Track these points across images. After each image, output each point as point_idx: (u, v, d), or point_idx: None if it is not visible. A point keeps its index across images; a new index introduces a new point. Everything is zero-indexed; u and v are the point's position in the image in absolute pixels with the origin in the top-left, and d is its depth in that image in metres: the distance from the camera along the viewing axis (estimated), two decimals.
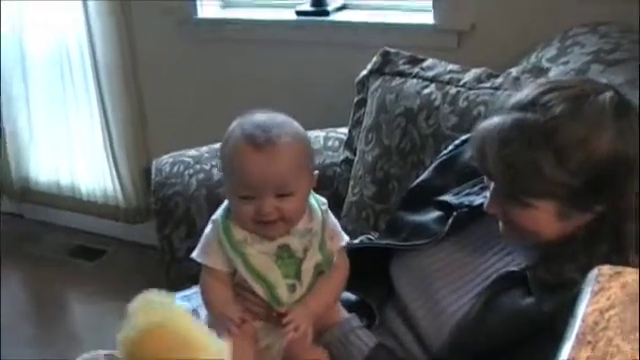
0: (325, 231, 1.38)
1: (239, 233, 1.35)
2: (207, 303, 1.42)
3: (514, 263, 1.37)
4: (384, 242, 1.56)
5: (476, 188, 1.51)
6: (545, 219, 1.29)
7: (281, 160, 1.29)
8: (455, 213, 1.47)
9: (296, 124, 1.37)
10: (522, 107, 1.27)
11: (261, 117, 1.34)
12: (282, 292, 1.35)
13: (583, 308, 0.84)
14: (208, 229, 1.40)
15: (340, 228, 1.43)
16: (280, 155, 1.29)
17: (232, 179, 1.35)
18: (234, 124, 1.36)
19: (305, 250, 1.35)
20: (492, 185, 1.33)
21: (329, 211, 1.41)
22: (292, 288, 1.35)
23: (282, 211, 1.31)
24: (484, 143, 1.29)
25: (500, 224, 1.38)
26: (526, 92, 1.30)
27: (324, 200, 1.42)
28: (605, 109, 1.24)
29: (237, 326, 1.33)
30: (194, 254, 1.41)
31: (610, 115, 1.24)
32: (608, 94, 1.26)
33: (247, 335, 1.37)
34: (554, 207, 1.27)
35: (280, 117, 1.36)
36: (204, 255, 1.39)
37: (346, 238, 1.43)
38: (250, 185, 1.31)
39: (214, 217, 1.40)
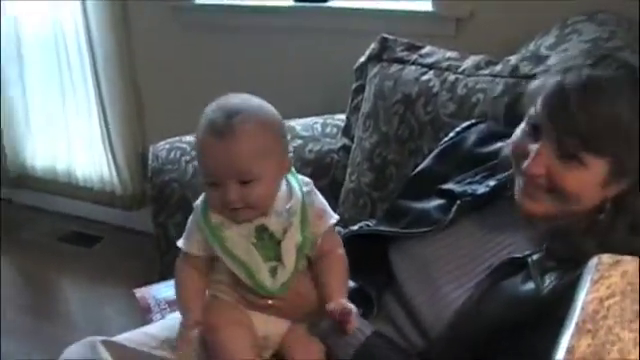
0: (307, 211, 1.35)
1: (216, 216, 1.34)
2: (177, 293, 1.42)
3: (517, 251, 1.37)
4: (386, 229, 1.55)
5: (478, 177, 1.50)
6: (591, 182, 1.29)
7: (240, 147, 1.27)
8: (459, 202, 1.46)
9: (266, 109, 1.34)
10: (590, 66, 1.29)
11: (228, 102, 1.32)
12: (264, 276, 1.32)
13: (583, 296, 0.83)
14: (191, 215, 1.40)
15: (328, 207, 1.40)
16: (239, 142, 1.27)
17: (199, 165, 1.36)
18: (206, 109, 1.33)
19: (285, 231, 1.33)
20: (537, 145, 1.32)
21: (315, 191, 1.39)
22: (274, 271, 1.33)
23: (247, 198, 1.29)
24: (562, 93, 1.28)
25: (519, 192, 1.36)
26: (578, 56, 1.35)
27: (308, 180, 1.40)
28: None
29: (192, 330, 1.33)
30: (179, 242, 1.40)
31: None
32: None
33: (243, 325, 1.37)
34: (605, 170, 1.28)
35: (249, 101, 1.33)
36: (184, 240, 1.39)
37: (335, 216, 1.41)
38: (212, 172, 1.30)
39: (195, 203, 1.39)
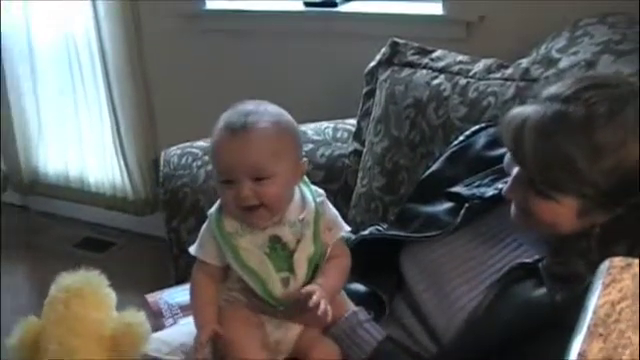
0: (319, 222, 1.36)
1: (230, 225, 1.34)
2: (191, 300, 1.42)
3: (526, 255, 1.37)
4: (395, 233, 1.55)
5: (487, 180, 1.50)
6: (564, 214, 1.28)
7: (254, 144, 1.29)
8: (467, 205, 1.46)
9: (281, 112, 1.36)
10: (564, 100, 1.25)
11: (245, 106, 1.35)
12: (275, 286, 1.33)
13: (594, 300, 0.83)
14: (205, 223, 1.40)
15: (340, 219, 1.41)
16: (253, 139, 1.29)
17: (214, 164, 1.37)
18: (223, 114, 1.36)
19: (298, 241, 1.34)
20: (516, 170, 1.32)
21: (327, 202, 1.39)
22: (286, 282, 1.33)
23: (261, 196, 1.29)
24: (522, 130, 1.27)
25: (512, 209, 1.37)
26: (566, 84, 1.28)
27: (321, 191, 1.41)
28: None
29: (207, 336, 1.33)
30: (191, 249, 1.40)
31: None
32: None
33: (254, 326, 1.37)
34: (577, 204, 1.26)
35: (265, 106, 1.35)
36: (198, 248, 1.39)
37: (347, 228, 1.41)
38: (226, 169, 1.31)
39: (210, 211, 1.39)
